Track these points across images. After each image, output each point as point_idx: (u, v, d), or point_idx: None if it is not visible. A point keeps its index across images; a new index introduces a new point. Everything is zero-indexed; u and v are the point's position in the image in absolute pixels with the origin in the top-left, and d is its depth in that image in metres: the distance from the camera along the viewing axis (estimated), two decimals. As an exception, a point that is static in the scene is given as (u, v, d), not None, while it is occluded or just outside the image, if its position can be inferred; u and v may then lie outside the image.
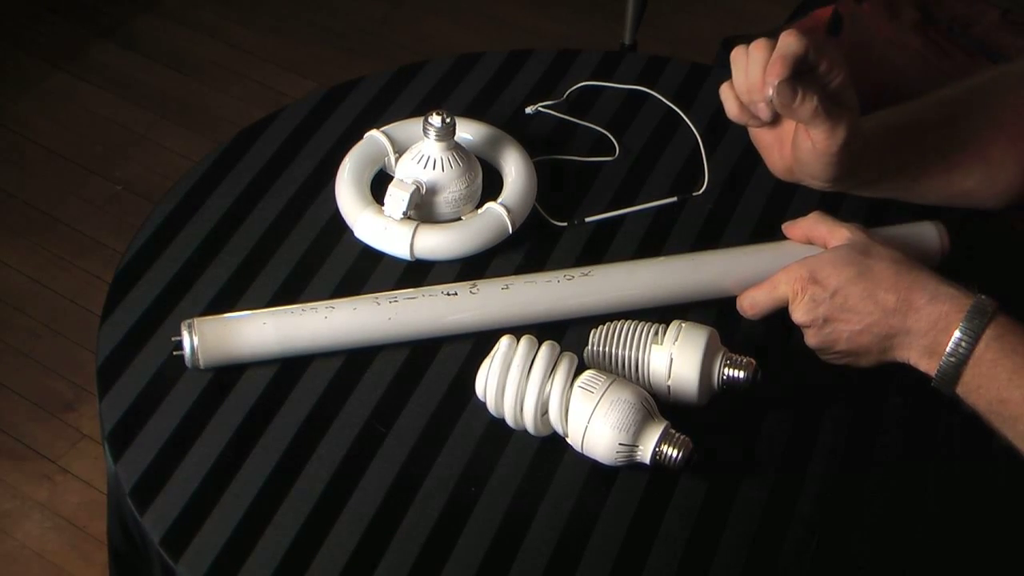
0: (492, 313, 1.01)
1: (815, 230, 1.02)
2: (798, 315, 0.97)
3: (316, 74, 2.50)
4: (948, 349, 0.90)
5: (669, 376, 0.95)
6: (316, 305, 1.00)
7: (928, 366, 0.92)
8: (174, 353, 0.98)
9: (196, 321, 0.98)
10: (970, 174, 1.05)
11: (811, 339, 0.97)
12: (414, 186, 1.07)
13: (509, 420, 0.95)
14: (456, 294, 1.01)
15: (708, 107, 1.24)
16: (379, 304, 1.00)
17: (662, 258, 1.07)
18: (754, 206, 1.14)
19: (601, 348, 0.97)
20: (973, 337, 0.89)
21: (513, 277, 1.03)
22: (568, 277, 1.02)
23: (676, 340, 0.95)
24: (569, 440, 0.94)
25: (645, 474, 0.93)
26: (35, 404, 1.95)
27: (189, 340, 0.97)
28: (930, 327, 0.91)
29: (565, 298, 1.02)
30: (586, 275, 1.03)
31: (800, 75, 0.96)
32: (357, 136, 1.15)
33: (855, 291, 0.94)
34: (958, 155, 1.05)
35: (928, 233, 1.05)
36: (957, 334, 0.90)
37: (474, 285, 1.02)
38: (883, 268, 0.94)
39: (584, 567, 0.89)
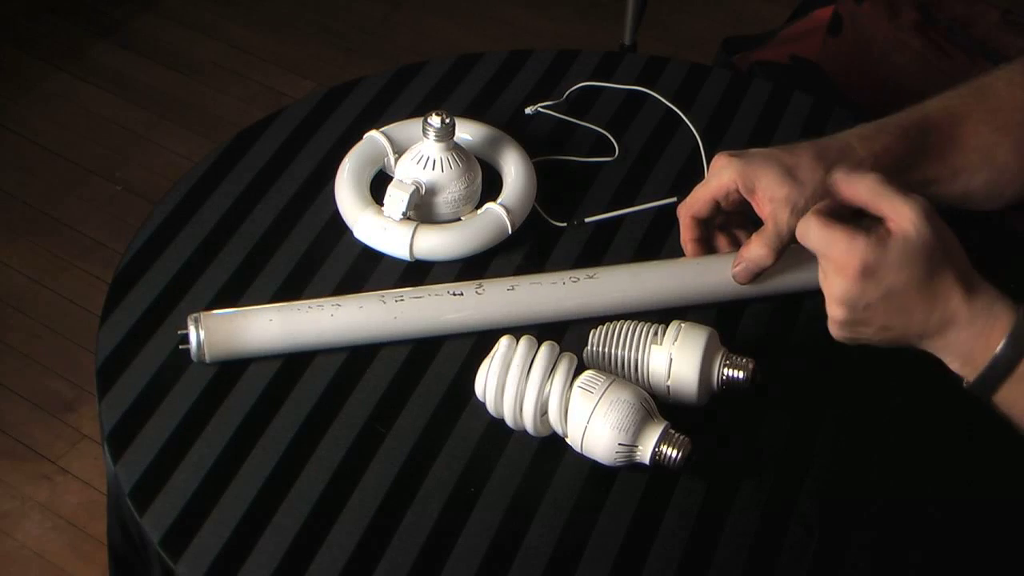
0: (497, 313, 1.01)
1: (876, 203, 0.87)
2: (836, 290, 0.87)
3: (316, 74, 2.50)
4: (988, 363, 0.86)
5: (669, 376, 0.95)
6: (322, 302, 1.00)
7: (963, 371, 0.88)
8: (180, 347, 0.98)
9: (203, 315, 0.98)
10: (975, 177, 1.04)
11: (836, 313, 0.89)
12: (414, 186, 1.07)
13: (509, 420, 0.95)
14: (462, 294, 1.01)
15: (708, 107, 1.24)
16: (385, 303, 1.00)
17: (667, 260, 1.06)
18: (754, 206, 1.14)
19: (600, 348, 0.97)
20: (1015, 356, 0.85)
21: (519, 278, 1.03)
22: (573, 279, 1.02)
23: (676, 340, 0.95)
24: (569, 440, 0.94)
25: (645, 474, 0.93)
26: (35, 404, 1.95)
27: (195, 334, 0.97)
28: (972, 338, 0.87)
29: (570, 300, 1.02)
30: (591, 278, 1.02)
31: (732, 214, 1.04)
32: (357, 136, 1.15)
33: (906, 300, 0.87)
34: (964, 158, 1.03)
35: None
36: (999, 351, 0.86)
37: (480, 285, 1.02)
38: (946, 285, 0.86)
39: (584, 567, 0.89)
